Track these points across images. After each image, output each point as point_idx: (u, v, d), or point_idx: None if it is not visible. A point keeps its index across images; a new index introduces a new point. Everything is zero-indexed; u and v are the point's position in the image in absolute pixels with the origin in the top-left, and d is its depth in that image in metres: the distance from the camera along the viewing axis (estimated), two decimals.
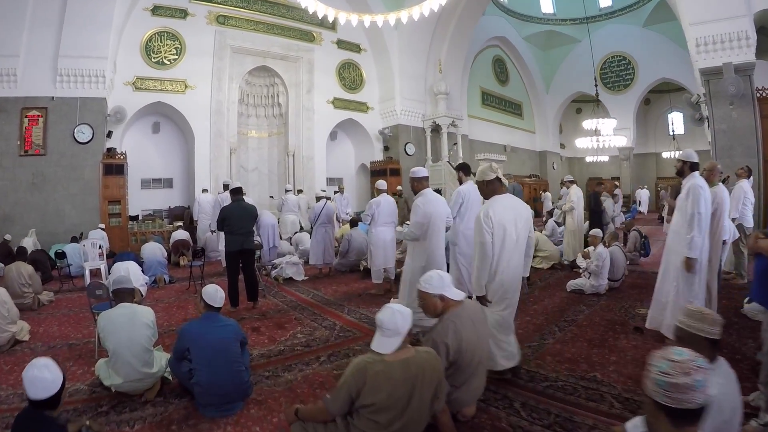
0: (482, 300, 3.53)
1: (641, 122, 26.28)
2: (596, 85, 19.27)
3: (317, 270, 8.72)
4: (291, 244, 10.21)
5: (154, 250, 8.35)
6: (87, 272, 7.87)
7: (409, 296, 4.75)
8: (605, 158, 25.85)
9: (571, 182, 9.90)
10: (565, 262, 8.94)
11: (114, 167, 11.80)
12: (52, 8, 10.68)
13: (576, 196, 9.18)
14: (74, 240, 9.72)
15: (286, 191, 12.19)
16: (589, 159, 26.53)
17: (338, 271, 8.96)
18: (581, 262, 8.16)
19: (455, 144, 18.24)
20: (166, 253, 9.04)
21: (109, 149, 11.81)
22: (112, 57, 11.67)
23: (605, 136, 19.61)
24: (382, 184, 7.27)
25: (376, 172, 17.17)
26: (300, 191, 13.95)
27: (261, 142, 16.24)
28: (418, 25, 16.38)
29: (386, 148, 17.65)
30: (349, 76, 17.28)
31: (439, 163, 17.33)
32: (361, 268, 8.49)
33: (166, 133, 14.39)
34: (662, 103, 27.18)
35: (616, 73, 24.66)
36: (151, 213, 13.61)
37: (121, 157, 11.95)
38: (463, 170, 5.90)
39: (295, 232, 10.99)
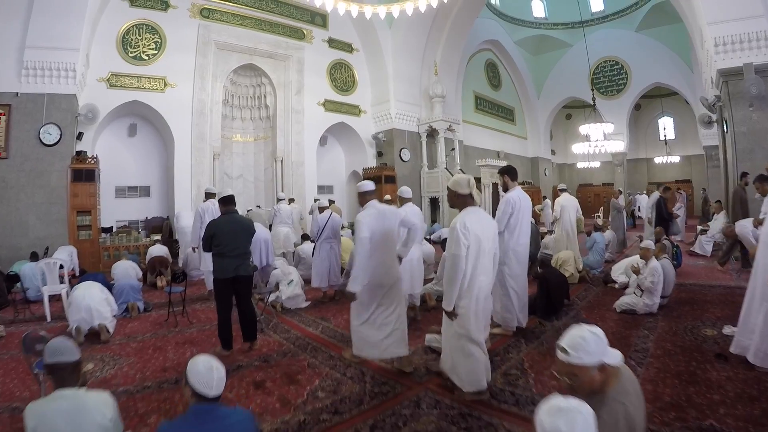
0: (450, 315, 3.56)
1: (632, 128, 26.50)
2: (593, 90, 19.01)
3: (321, 293, 7.74)
4: (287, 261, 9.30)
5: (126, 271, 7.38)
6: (46, 299, 6.71)
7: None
8: (597, 164, 26.12)
9: (563, 191, 9.86)
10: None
11: (84, 173, 10.60)
12: None
13: (560, 204, 9.12)
14: (33, 257, 8.43)
15: (279, 200, 11.29)
16: (581, 165, 26.69)
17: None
18: (620, 276, 7.43)
19: (453, 149, 17.69)
20: (140, 273, 7.99)
21: (78, 153, 10.71)
22: (84, 50, 10.63)
23: (602, 141, 19.41)
24: (406, 191, 6.43)
25: (370, 179, 16.02)
26: (292, 200, 13.01)
27: (247, 146, 15.36)
28: (412, 25, 16.33)
29: (380, 154, 16.94)
30: (341, 77, 16.58)
31: (436, 170, 16.91)
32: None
33: (144, 137, 13.37)
34: (653, 108, 27.54)
35: (609, 77, 24.80)
36: (127, 224, 12.57)
37: (93, 162, 10.78)
38: (509, 174, 5.27)
39: (296, 245, 10.18)
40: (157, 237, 11.02)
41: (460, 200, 3.63)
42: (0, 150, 9.81)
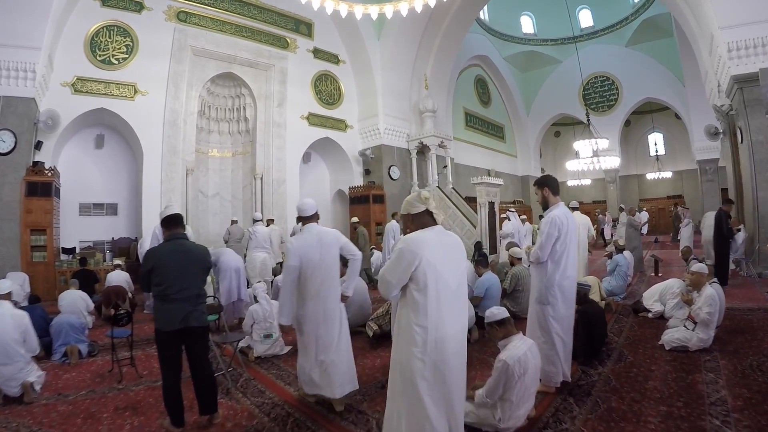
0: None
1: (622, 144, 26.30)
2: (586, 106, 18.62)
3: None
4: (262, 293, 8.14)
5: (74, 303, 6.38)
6: None
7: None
8: (588, 181, 25.96)
9: (574, 209, 8.85)
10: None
11: (40, 186, 9.49)
12: None
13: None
14: None
15: (255, 221, 9.99)
16: (571, 183, 26.51)
17: None
18: (654, 304, 6.50)
19: (445, 167, 16.92)
20: (92, 306, 6.99)
21: (35, 163, 9.69)
22: (46, 50, 9.69)
23: (598, 158, 18.93)
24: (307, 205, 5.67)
25: (357, 198, 15.69)
26: (271, 221, 11.93)
27: (224, 162, 14.30)
28: (402, 37, 15.81)
29: (367, 172, 16.09)
30: (326, 89, 15.75)
31: (427, 189, 16.02)
32: (370, 333, 5.86)
33: (112, 149, 12.34)
34: (643, 124, 27.44)
35: (600, 93, 24.72)
36: (91, 245, 11.48)
37: (50, 175, 9.71)
38: (550, 186, 4.16)
39: (275, 272, 9.06)
40: (119, 261, 9.74)
41: (415, 223, 2.69)
42: None
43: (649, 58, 22.20)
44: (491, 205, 15.32)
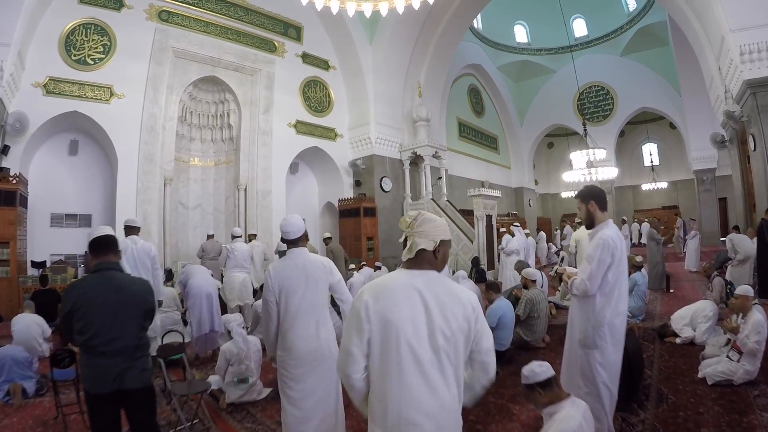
0: None
1: (617, 154, 25.91)
2: (583, 115, 18.24)
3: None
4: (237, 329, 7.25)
5: (27, 328, 5.70)
6: None
7: None
8: None
9: (580, 223, 8.46)
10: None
11: (3, 195, 8.67)
12: None
13: (577, 239, 7.88)
14: None
15: (234, 237, 8.91)
16: (565, 195, 26.63)
17: None
18: (684, 329, 5.85)
19: (439, 178, 16.36)
20: (48, 332, 6.17)
21: (0, 169, 8.90)
22: (16, 46, 8.94)
23: (596, 168, 18.55)
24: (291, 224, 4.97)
25: (347, 211, 14.99)
26: (253, 236, 11.08)
27: (206, 171, 13.50)
28: (394, 44, 15.31)
29: (358, 183, 15.40)
30: (315, 96, 15.06)
31: (421, 201, 15.50)
32: None
33: (86, 156, 11.50)
34: (637, 134, 27.17)
35: (595, 103, 24.43)
36: (63, 259, 10.61)
37: (15, 182, 8.88)
38: (597, 200, 3.36)
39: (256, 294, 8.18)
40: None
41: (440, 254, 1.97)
42: None
43: (644, 68, 21.99)
44: (488, 218, 14.76)
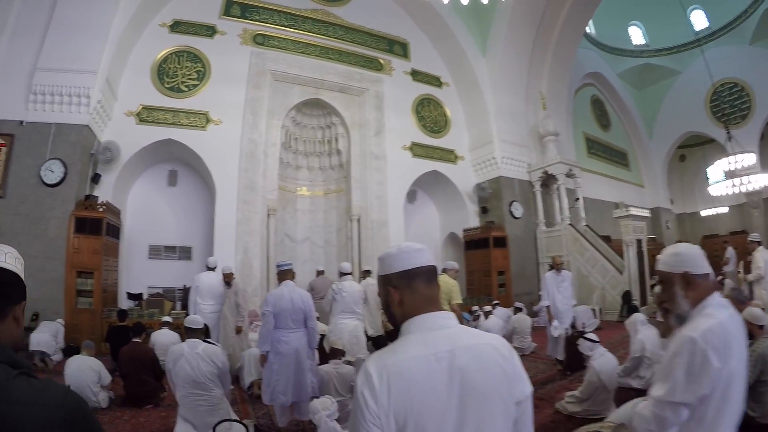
0: None
1: (761, 161, 20.70)
2: (724, 116, 14.49)
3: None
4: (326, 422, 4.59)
5: (79, 373, 4.68)
6: None
7: None
8: (725, 209, 21.23)
9: (758, 242, 7.64)
10: None
11: (89, 223, 8.06)
12: (39, 15, 8.33)
13: (763, 260, 7.23)
14: None
15: (342, 274, 6.50)
16: (705, 213, 22.20)
17: None
18: None
19: (577, 200, 13.33)
20: (107, 379, 5.06)
21: (87, 197, 8.41)
22: (104, 73, 8.59)
23: (748, 177, 14.40)
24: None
25: (473, 242, 12.36)
26: (367, 273, 8.81)
27: (315, 202, 11.71)
28: (510, 53, 13.54)
29: (484, 210, 12.79)
30: (430, 115, 12.83)
31: (557, 227, 12.65)
32: None
33: (186, 187, 10.71)
34: None
35: (730, 103, 19.88)
36: (161, 292, 9.76)
37: (102, 210, 8.28)
38: None
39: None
40: (168, 318, 7.14)
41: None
42: None
43: None
44: (638, 243, 11.31)
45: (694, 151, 23.38)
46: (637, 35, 21.42)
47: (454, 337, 1.20)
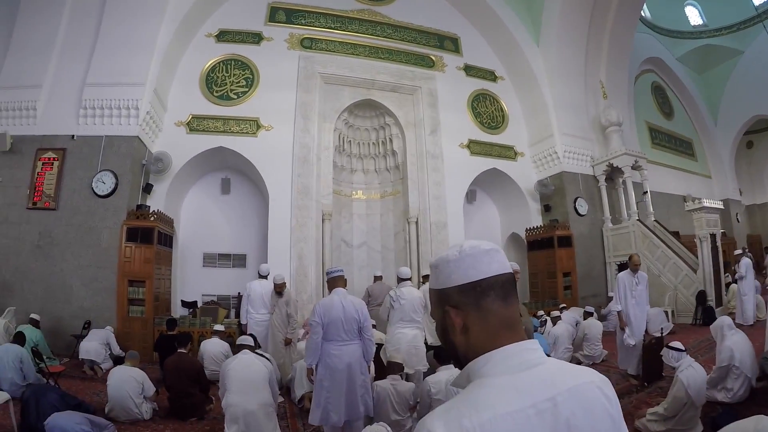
0: None
1: None
2: None
3: None
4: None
5: (121, 384, 4.56)
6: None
7: None
8: None
9: None
10: None
11: (140, 232, 8.16)
12: (86, 33, 8.65)
13: None
14: (18, 338, 5.57)
15: (400, 280, 5.80)
16: None
17: None
18: None
19: (645, 193, 12.21)
20: (151, 390, 4.88)
21: (139, 206, 8.53)
22: (152, 85, 8.71)
23: None
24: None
25: (536, 243, 11.51)
26: (427, 278, 8.16)
27: (371, 205, 11.30)
28: (566, 39, 12.35)
29: (547, 208, 11.96)
30: (486, 111, 12.12)
31: (624, 224, 11.67)
32: None
33: (239, 194, 10.61)
34: None
35: None
36: (215, 300, 9.76)
37: (153, 219, 8.35)
38: None
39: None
40: (219, 326, 6.89)
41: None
42: (49, 200, 8.12)
43: None
44: (713, 238, 10.19)
45: (762, 136, 21.88)
46: (694, 15, 20.18)
47: (551, 378, 0.85)
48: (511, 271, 0.95)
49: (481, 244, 0.95)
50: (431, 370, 4.61)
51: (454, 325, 0.91)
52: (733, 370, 4.31)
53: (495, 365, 0.86)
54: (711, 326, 5.02)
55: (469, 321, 0.90)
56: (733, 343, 4.41)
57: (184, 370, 4.91)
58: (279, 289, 6.29)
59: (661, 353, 4.35)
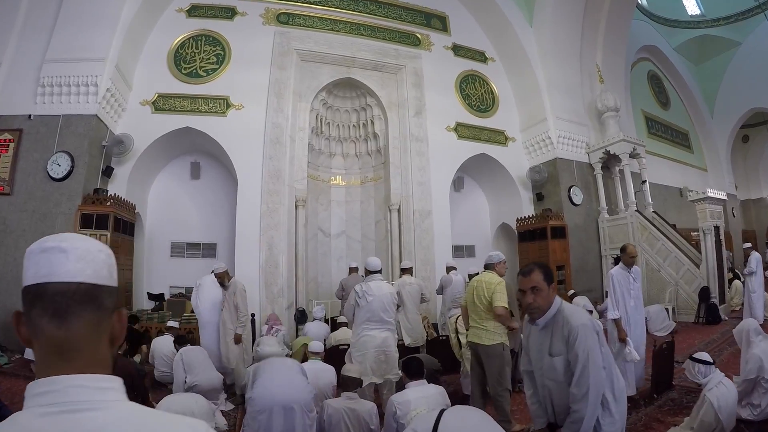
0: None
1: None
2: None
3: None
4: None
5: None
6: None
7: None
8: None
9: None
10: None
11: (95, 218, 7.35)
12: (48, 7, 7.95)
13: None
14: None
15: (368, 272, 4.61)
16: None
17: None
18: None
19: (643, 182, 11.46)
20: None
21: (96, 191, 7.70)
22: (112, 61, 7.96)
23: None
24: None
25: (528, 233, 10.71)
26: (405, 271, 6.78)
27: (351, 192, 10.47)
28: (561, 20, 11.56)
29: (539, 197, 11.14)
30: (476, 93, 11.28)
31: (622, 215, 10.90)
32: None
33: (209, 180, 9.83)
34: None
35: None
36: (183, 291, 8.86)
37: (109, 204, 7.57)
38: None
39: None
40: (173, 322, 6.21)
41: None
42: (3, 184, 7.46)
43: None
44: (716, 230, 9.42)
45: (758, 130, 21.25)
46: (691, 4, 19.38)
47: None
48: (77, 281, 0.74)
49: (49, 239, 0.75)
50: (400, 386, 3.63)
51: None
52: (761, 383, 3.50)
53: (32, 399, 0.69)
54: (734, 330, 4.18)
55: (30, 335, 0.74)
56: (762, 351, 3.58)
57: (125, 372, 3.99)
58: (221, 279, 5.36)
59: (679, 362, 3.47)
